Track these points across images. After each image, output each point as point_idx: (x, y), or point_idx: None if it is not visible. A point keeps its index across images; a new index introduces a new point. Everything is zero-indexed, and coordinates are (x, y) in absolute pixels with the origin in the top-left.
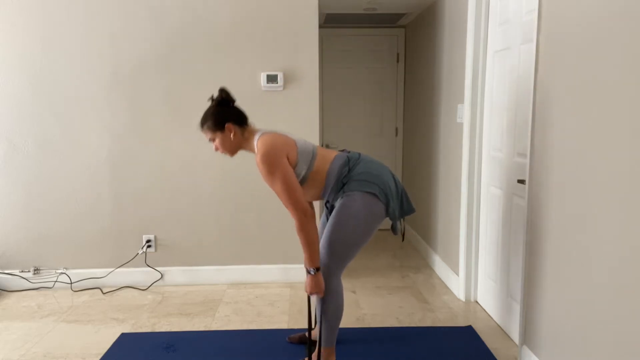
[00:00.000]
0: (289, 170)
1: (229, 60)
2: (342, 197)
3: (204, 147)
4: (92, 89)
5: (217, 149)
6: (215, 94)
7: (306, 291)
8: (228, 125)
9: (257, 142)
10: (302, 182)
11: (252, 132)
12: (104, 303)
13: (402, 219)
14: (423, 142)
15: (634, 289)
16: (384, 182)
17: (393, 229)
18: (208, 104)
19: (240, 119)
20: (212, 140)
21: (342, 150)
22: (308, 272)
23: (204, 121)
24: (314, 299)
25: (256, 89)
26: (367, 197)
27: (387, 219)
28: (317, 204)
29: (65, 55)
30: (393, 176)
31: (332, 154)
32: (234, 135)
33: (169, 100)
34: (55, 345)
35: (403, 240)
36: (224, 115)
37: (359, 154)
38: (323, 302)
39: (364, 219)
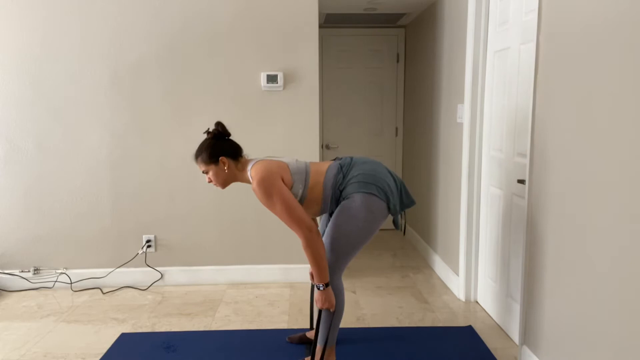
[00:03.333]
0: (285, 190)
1: (229, 60)
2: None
3: None
4: (92, 89)
5: (210, 181)
6: (212, 127)
7: (317, 306)
8: (222, 159)
9: (250, 171)
10: (302, 200)
11: (245, 163)
12: (104, 303)
13: (403, 213)
14: (423, 142)
15: (634, 289)
16: (380, 180)
17: (395, 223)
18: (207, 103)
19: (234, 152)
20: (206, 172)
21: (335, 160)
22: (317, 287)
23: (198, 153)
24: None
25: (256, 89)
26: (367, 197)
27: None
28: None
29: (66, 55)
30: (389, 172)
31: (324, 166)
32: (227, 169)
33: (169, 100)
34: (55, 345)
35: (404, 234)
36: (219, 149)
37: (351, 158)
38: None
39: (364, 219)
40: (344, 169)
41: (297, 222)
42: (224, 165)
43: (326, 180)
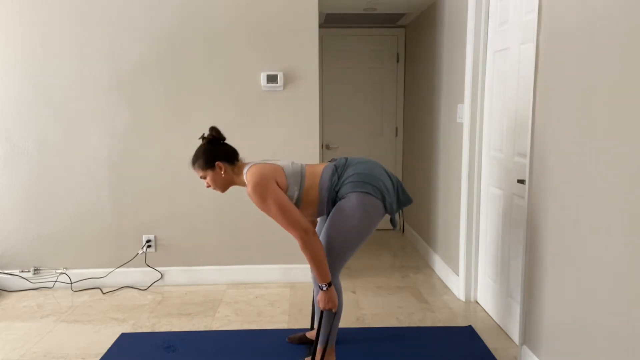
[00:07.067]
0: (280, 193)
1: (229, 60)
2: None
3: None
4: (92, 89)
5: (208, 185)
6: (206, 132)
7: (319, 307)
8: (218, 164)
9: (246, 174)
10: (298, 203)
11: (242, 167)
12: (104, 303)
13: (400, 212)
14: (423, 142)
15: (633, 289)
16: (375, 179)
17: (392, 222)
18: (207, 103)
19: (230, 156)
20: (203, 177)
21: (330, 161)
22: (320, 288)
23: (195, 160)
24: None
25: (256, 89)
26: (362, 196)
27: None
28: None
29: (66, 55)
30: (385, 170)
31: (320, 168)
32: (224, 173)
33: (169, 100)
34: (55, 345)
35: (403, 232)
36: (214, 154)
37: (346, 159)
38: None
39: (359, 218)
40: (338, 170)
41: (292, 225)
42: (221, 170)
43: (322, 182)
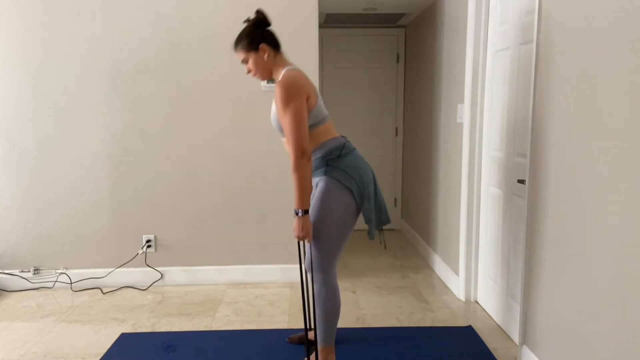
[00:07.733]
0: (304, 106)
1: (228, 60)
2: (320, 181)
3: (204, 147)
4: (92, 89)
5: (249, 71)
6: (252, 15)
7: (294, 235)
8: (262, 46)
9: (284, 72)
10: None
11: (283, 62)
12: (104, 303)
13: (380, 229)
14: (423, 142)
15: (633, 289)
16: (363, 181)
17: (369, 234)
18: (207, 103)
19: (274, 42)
20: (245, 61)
21: (343, 137)
22: (296, 213)
23: (238, 41)
24: (312, 299)
25: (256, 89)
26: (343, 191)
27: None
28: None
29: (66, 55)
30: (375, 182)
31: (334, 133)
32: (267, 57)
33: (169, 101)
34: (55, 345)
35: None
36: (260, 36)
37: (355, 148)
38: (320, 300)
39: (340, 212)
40: (344, 150)
41: (296, 140)
42: (264, 53)
43: (326, 143)
